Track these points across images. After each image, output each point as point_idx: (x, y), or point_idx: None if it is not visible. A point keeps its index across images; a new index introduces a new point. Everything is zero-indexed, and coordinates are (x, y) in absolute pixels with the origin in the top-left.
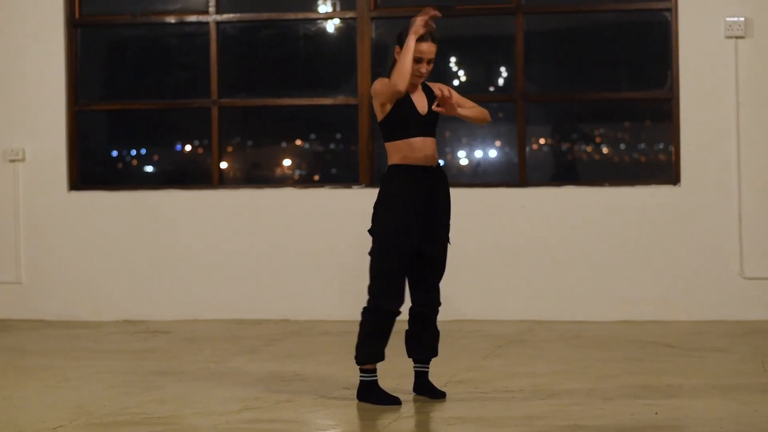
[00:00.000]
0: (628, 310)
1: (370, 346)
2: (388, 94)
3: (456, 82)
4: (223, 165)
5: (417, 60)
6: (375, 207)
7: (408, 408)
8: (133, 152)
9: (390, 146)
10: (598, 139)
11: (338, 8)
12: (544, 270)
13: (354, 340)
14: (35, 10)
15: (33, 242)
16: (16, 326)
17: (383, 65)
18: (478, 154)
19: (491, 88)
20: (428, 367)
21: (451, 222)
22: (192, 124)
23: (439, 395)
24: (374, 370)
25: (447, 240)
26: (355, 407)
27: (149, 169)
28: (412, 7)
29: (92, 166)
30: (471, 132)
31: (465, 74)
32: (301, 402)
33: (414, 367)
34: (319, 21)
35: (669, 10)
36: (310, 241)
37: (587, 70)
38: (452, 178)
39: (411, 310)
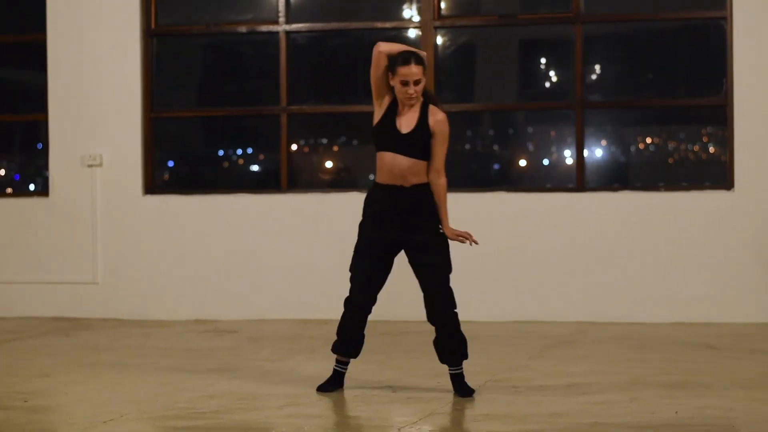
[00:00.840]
0: (682, 312)
1: (341, 336)
2: (373, 90)
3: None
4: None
5: (403, 83)
6: None
7: (441, 405)
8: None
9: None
10: (653, 143)
11: (403, 18)
12: (600, 272)
13: (419, 341)
14: (113, 21)
15: (109, 244)
16: (92, 325)
17: (445, 73)
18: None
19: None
20: (459, 369)
21: (517, 223)
22: (263, 130)
23: (464, 393)
24: (345, 363)
25: (431, 253)
26: (393, 404)
27: (234, 171)
28: (473, 16)
29: (181, 167)
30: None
31: (524, 80)
32: (341, 399)
33: (448, 369)
34: (384, 30)
35: (724, 18)
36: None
37: (645, 77)
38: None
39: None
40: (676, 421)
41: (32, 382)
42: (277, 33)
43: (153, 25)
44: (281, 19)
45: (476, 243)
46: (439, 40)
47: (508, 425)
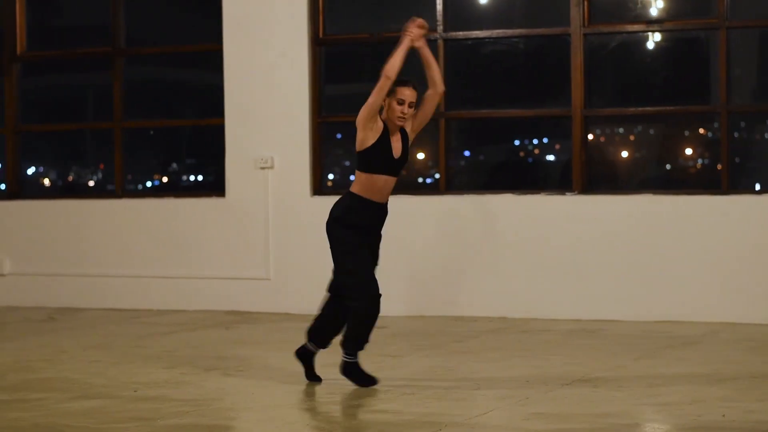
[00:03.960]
0: None
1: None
2: (368, 114)
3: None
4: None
5: (399, 102)
6: (329, 225)
7: (498, 402)
8: None
9: (358, 175)
10: None
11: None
12: (740, 273)
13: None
14: (283, 30)
15: (280, 242)
16: (259, 318)
17: (595, 78)
18: None
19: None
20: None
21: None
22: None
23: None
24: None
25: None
26: (466, 401)
27: None
28: (622, 23)
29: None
30: None
31: (667, 85)
32: (420, 394)
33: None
34: (535, 37)
35: None
36: (527, 244)
37: None
38: None
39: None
40: (719, 425)
41: (156, 373)
42: (435, 40)
43: (321, 34)
44: (440, 27)
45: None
46: (588, 45)
47: (550, 423)
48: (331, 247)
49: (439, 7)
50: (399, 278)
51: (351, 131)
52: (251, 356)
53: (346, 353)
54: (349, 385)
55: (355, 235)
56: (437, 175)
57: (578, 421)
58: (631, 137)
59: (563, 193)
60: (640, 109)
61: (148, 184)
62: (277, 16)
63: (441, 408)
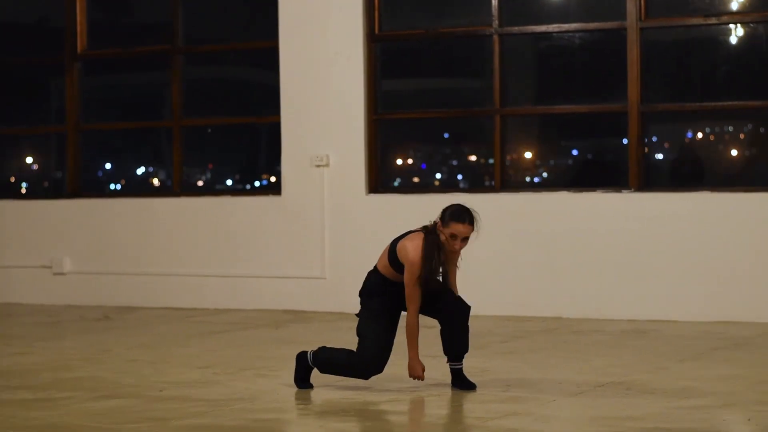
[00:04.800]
0: None
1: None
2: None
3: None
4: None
5: (452, 236)
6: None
7: (519, 405)
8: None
9: (387, 267)
10: None
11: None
12: None
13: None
14: (339, 28)
15: (335, 241)
16: (312, 318)
17: (651, 73)
18: None
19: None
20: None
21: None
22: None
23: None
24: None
25: None
26: (491, 402)
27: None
28: (680, 17)
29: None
30: None
31: (725, 82)
32: (442, 396)
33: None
34: (589, 32)
35: None
36: (581, 242)
37: None
38: None
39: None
40: (740, 429)
41: (189, 373)
42: (491, 36)
43: (377, 31)
44: (495, 23)
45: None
46: (645, 40)
47: (568, 425)
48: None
49: (495, 2)
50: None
51: (458, 130)
52: (291, 356)
53: (312, 361)
54: (365, 389)
55: (380, 302)
56: (545, 174)
57: (601, 423)
58: (741, 135)
59: (619, 191)
60: (698, 104)
61: (256, 183)
62: (332, 13)
63: (461, 410)
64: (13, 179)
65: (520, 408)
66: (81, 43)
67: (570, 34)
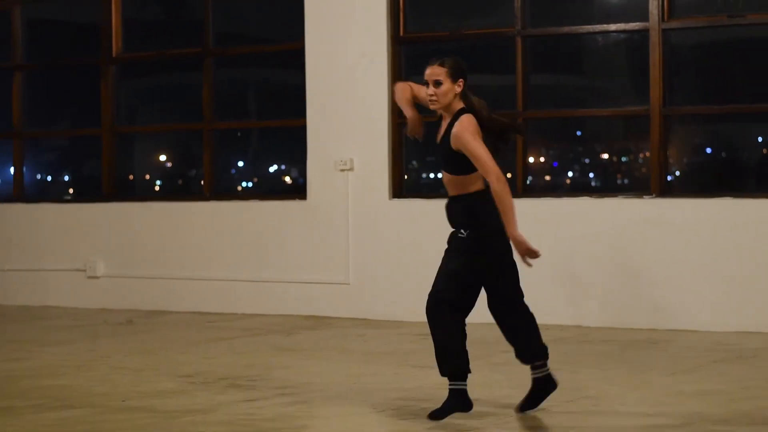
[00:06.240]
0: None
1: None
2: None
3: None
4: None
5: (425, 83)
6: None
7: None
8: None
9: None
10: None
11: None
12: None
13: None
14: (364, 30)
15: (359, 246)
16: (333, 324)
17: (675, 74)
18: None
19: None
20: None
21: None
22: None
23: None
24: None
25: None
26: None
27: None
28: (703, 17)
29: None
30: None
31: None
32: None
33: None
34: (613, 33)
35: None
36: (599, 249)
37: None
38: None
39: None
40: None
41: (165, 382)
42: (513, 38)
43: (402, 32)
44: (519, 24)
45: (529, 264)
46: (667, 41)
47: None
48: None
49: (518, 3)
50: None
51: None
52: (281, 367)
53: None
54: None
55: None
56: (677, 172)
57: None
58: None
59: (641, 196)
60: (717, 107)
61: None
62: (357, 15)
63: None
64: (147, 176)
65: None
66: (116, 45)
67: (592, 35)
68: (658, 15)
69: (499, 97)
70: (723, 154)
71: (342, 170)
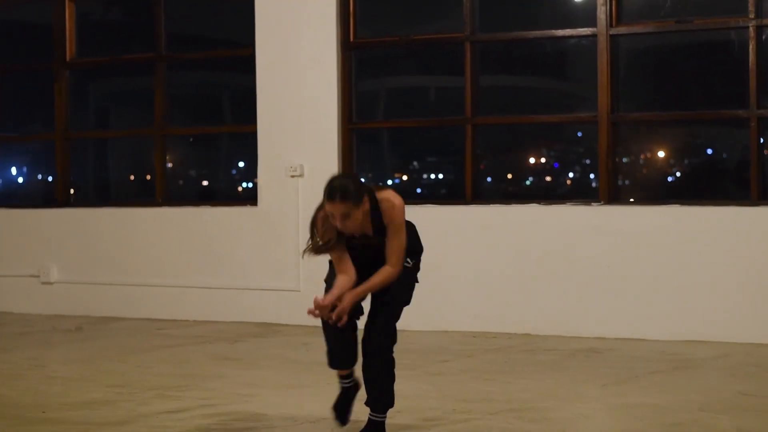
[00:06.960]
0: None
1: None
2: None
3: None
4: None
5: (331, 215)
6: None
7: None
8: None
9: None
10: None
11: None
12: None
13: None
14: (314, 35)
15: None
16: (284, 332)
17: (622, 82)
18: None
19: None
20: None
21: None
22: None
23: None
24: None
25: None
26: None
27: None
28: (651, 22)
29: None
30: None
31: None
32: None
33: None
34: (560, 39)
35: None
36: (549, 256)
37: None
38: None
39: None
40: None
41: (93, 392)
42: (462, 44)
43: (352, 38)
44: (468, 29)
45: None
46: (616, 47)
47: None
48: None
49: (467, 9)
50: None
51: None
52: (215, 376)
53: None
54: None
55: None
56: (677, 173)
57: None
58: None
59: (589, 204)
60: (666, 113)
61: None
62: (307, 20)
63: None
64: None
65: None
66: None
67: (539, 41)
68: (606, 21)
69: (445, 100)
70: (671, 161)
71: (292, 176)
